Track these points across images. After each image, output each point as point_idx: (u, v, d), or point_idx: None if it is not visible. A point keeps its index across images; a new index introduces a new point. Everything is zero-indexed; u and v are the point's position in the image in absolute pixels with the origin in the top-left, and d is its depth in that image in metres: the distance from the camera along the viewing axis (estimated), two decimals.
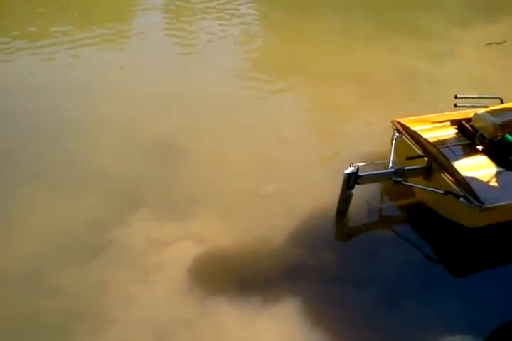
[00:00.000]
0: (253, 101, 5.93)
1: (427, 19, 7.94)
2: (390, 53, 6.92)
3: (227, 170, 4.74)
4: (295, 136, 5.24)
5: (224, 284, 3.76)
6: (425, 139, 4.35)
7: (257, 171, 4.76)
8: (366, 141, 5.09)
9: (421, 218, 4.37)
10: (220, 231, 4.13)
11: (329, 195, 4.30)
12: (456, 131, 4.53)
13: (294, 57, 6.80)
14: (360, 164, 4.09)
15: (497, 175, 4.04)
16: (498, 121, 4.23)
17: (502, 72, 6.51)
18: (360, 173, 4.10)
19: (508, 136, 4.43)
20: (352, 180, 4.09)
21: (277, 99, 6.04)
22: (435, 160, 4.19)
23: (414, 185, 4.25)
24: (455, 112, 4.73)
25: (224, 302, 3.64)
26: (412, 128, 4.50)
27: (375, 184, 4.42)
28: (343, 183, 4.10)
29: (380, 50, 6.99)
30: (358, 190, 4.20)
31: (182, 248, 3.95)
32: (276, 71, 6.59)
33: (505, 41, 7.16)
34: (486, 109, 4.41)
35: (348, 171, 4.07)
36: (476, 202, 3.78)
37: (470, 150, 4.29)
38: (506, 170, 4.06)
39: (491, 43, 7.12)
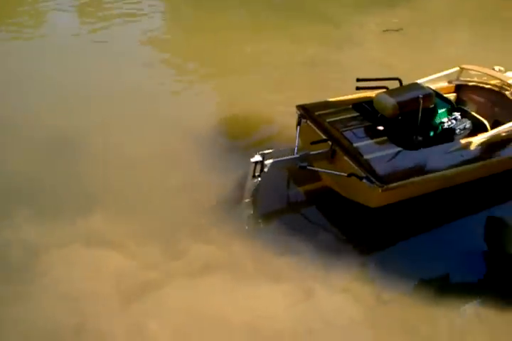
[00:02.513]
0: (159, 93, 5.75)
1: (326, 6, 8.03)
2: (292, 42, 6.94)
3: (129, 164, 4.56)
4: (202, 127, 5.12)
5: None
6: (328, 123, 4.38)
7: (161, 164, 4.61)
8: (274, 129, 5.08)
9: (328, 201, 4.42)
10: (119, 230, 3.94)
11: (237, 184, 4.27)
12: (358, 113, 4.59)
13: (201, 49, 6.70)
14: (265, 151, 4.07)
15: (397, 155, 4.13)
16: (396, 101, 4.32)
17: (400, 57, 6.70)
18: (266, 161, 4.09)
19: (407, 115, 4.55)
20: (258, 168, 4.06)
21: (185, 90, 5.90)
22: (338, 143, 4.23)
23: (319, 169, 4.30)
24: (357, 95, 4.80)
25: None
26: (316, 113, 4.51)
27: (283, 170, 4.43)
28: (250, 171, 4.06)
29: (281, 39, 7.00)
30: (266, 178, 4.18)
31: (73, 250, 3.74)
32: (185, 62, 6.47)
33: (402, 29, 7.40)
34: (385, 90, 4.50)
35: (254, 159, 4.03)
36: (377, 183, 3.86)
37: (372, 132, 4.35)
38: (406, 149, 4.17)
39: (388, 30, 7.34)
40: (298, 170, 4.26)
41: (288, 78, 6.10)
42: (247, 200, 4.26)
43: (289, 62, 6.45)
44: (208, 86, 6.07)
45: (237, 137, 5.11)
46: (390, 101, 4.36)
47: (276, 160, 4.13)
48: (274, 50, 6.72)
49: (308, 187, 4.56)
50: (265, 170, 4.08)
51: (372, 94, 4.71)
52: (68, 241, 3.79)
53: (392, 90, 4.49)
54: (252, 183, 4.14)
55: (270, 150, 4.13)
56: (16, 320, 3.33)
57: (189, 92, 5.86)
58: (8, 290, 3.48)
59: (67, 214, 4.01)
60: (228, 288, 3.60)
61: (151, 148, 4.77)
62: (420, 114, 4.36)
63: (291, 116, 4.66)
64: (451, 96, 5.12)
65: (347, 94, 4.88)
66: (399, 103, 4.36)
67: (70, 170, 4.44)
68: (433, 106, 4.54)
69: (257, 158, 4.01)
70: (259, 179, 4.12)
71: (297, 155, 4.19)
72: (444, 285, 3.80)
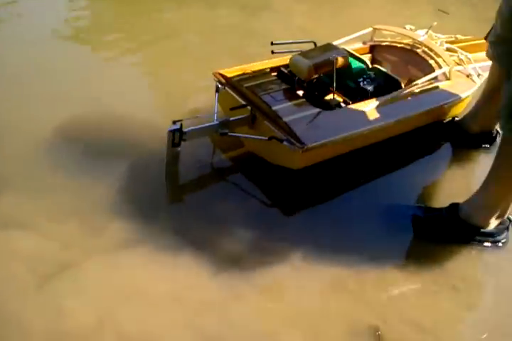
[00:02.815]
0: (65, 59, 5.51)
1: None
2: (210, 8, 6.79)
3: (35, 143, 4.33)
4: (116, 98, 4.93)
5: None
6: (246, 88, 4.34)
7: (66, 141, 4.42)
8: (191, 99, 4.97)
9: (252, 167, 4.40)
10: (32, 211, 3.76)
11: (157, 157, 4.15)
12: (276, 77, 4.57)
13: (117, 20, 6.45)
14: (181, 119, 3.97)
15: (315, 116, 4.15)
16: (311, 62, 4.33)
17: (315, 21, 6.70)
18: (185, 129, 4.00)
19: (322, 77, 4.60)
20: (177, 137, 3.96)
21: (93, 56, 5.70)
22: (257, 108, 4.20)
23: (240, 134, 4.26)
24: (274, 60, 4.77)
25: None
26: (233, 79, 4.46)
27: (204, 139, 4.35)
28: (168, 141, 3.96)
29: (195, 5, 6.84)
30: (186, 147, 4.11)
31: None
32: (100, 32, 6.18)
33: None
34: (300, 53, 4.49)
35: (171, 128, 3.92)
36: (297, 144, 3.88)
37: (290, 95, 4.35)
38: (323, 110, 4.20)
39: None
40: (219, 138, 4.23)
41: (205, 46, 5.97)
42: (168, 172, 4.15)
43: (206, 29, 6.31)
44: (128, 59, 5.83)
45: (157, 109, 4.98)
46: (305, 63, 4.36)
47: (194, 128, 4.04)
48: (188, 18, 6.55)
49: (232, 154, 4.51)
50: (184, 138, 3.99)
51: (288, 57, 4.70)
52: None
53: (306, 52, 4.49)
54: (171, 154, 4.04)
55: (187, 118, 4.03)
56: None
57: (105, 67, 5.60)
58: None
59: None
60: (149, 261, 3.53)
61: (55, 128, 4.55)
62: (335, 75, 4.41)
63: (210, 84, 4.58)
64: (366, 56, 5.19)
65: (262, 59, 4.83)
66: (314, 65, 4.37)
67: None
68: (348, 66, 4.60)
69: (175, 126, 3.90)
70: (179, 149, 4.03)
71: (217, 122, 4.13)
72: (368, 244, 3.87)
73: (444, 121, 4.92)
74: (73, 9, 6.73)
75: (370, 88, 4.53)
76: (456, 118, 4.94)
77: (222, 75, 4.54)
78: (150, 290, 3.37)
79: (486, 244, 3.89)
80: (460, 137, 4.87)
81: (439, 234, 3.91)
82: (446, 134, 4.93)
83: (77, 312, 3.15)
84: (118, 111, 4.86)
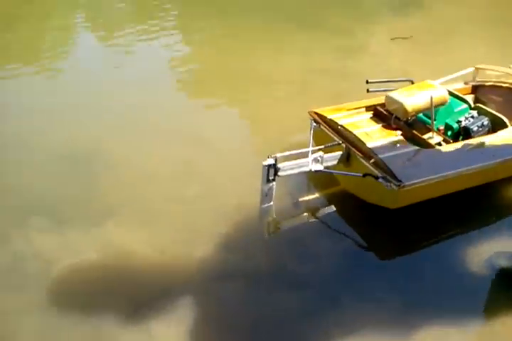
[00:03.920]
0: (173, 105, 5.81)
1: (335, 16, 8.09)
2: (304, 54, 6.96)
3: (146, 175, 4.57)
4: (216, 137, 5.11)
5: (147, 297, 3.55)
6: (342, 126, 4.34)
7: (178, 174, 4.60)
8: (288, 137, 5.03)
9: (347, 205, 4.32)
10: (139, 239, 3.93)
11: (253, 191, 4.19)
12: (372, 115, 4.54)
13: (218, 64, 6.75)
14: (278, 155, 4.01)
15: (413, 153, 4.05)
16: (408, 101, 4.26)
17: (413, 62, 6.63)
18: (280, 164, 4.03)
19: (420, 115, 4.49)
20: (271, 171, 4.00)
21: (197, 101, 5.95)
22: (352, 145, 4.17)
23: (335, 171, 4.22)
24: (369, 99, 4.75)
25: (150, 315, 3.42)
26: (329, 117, 4.48)
27: (298, 175, 4.34)
28: (263, 176, 4.01)
29: (290, 51, 7.04)
30: (281, 183, 4.13)
31: (98, 258, 3.77)
32: (204, 80, 6.52)
33: (412, 36, 7.34)
34: (397, 91, 4.44)
35: (266, 163, 3.97)
36: (394, 181, 3.76)
37: (386, 133, 4.29)
38: (421, 148, 4.07)
39: (396, 38, 7.28)
40: (314, 174, 4.21)
41: (303, 89, 6.08)
42: (264, 205, 4.17)
43: (303, 74, 6.45)
44: (225, 100, 6.09)
45: (252, 145, 5.10)
46: (404, 102, 4.30)
47: (289, 163, 4.06)
48: (287, 63, 6.74)
49: (326, 191, 4.48)
50: (279, 173, 4.01)
51: (383, 96, 4.65)
52: (83, 250, 3.82)
53: (405, 90, 4.43)
54: (266, 188, 4.08)
55: (282, 154, 4.06)
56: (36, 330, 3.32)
57: (200, 104, 5.89)
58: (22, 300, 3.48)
59: (82, 225, 4.02)
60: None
61: (167, 159, 4.79)
62: (434, 114, 4.29)
63: (306, 123, 4.62)
64: (469, 97, 5.01)
65: (358, 99, 4.82)
66: (410, 103, 4.30)
67: (85, 183, 4.47)
68: (448, 105, 4.47)
69: (270, 161, 3.95)
70: (273, 184, 4.06)
71: (311, 159, 4.13)
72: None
73: None
74: (176, 60, 7.16)
75: (473, 127, 4.35)
76: None
77: (318, 114, 4.58)
78: None
79: None
80: None
81: None
82: None
83: None
84: (218, 146, 5.04)
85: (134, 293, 3.55)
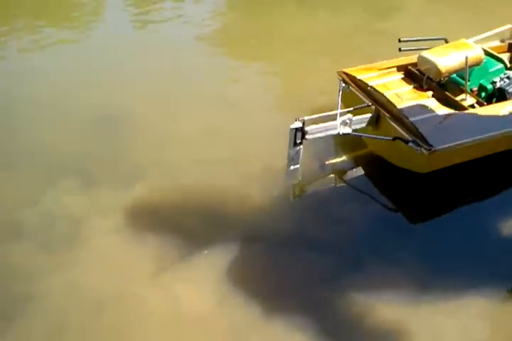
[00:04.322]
0: (198, 68, 5.72)
1: None
2: (333, 15, 6.77)
3: (173, 138, 4.56)
4: (242, 100, 5.04)
5: (180, 251, 3.62)
6: (372, 87, 4.20)
7: (204, 137, 4.58)
8: (315, 99, 4.91)
9: (374, 169, 4.26)
10: (164, 201, 3.96)
11: (280, 154, 4.13)
12: (403, 76, 4.39)
13: (250, 32, 6.60)
14: (306, 118, 3.92)
15: (445, 117, 3.93)
16: (442, 61, 4.10)
17: (448, 20, 6.37)
18: (307, 128, 3.96)
19: (454, 76, 4.33)
20: (299, 135, 3.91)
21: (222, 64, 5.87)
22: (382, 107, 4.05)
23: (363, 134, 4.13)
24: (401, 58, 4.59)
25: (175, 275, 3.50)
26: (358, 77, 4.34)
27: (325, 137, 4.26)
28: (290, 139, 3.94)
29: (320, 10, 6.85)
30: (308, 146, 4.06)
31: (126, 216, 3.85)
32: (234, 45, 6.40)
33: None
34: (430, 50, 4.27)
35: (293, 126, 3.88)
36: (425, 146, 3.67)
37: (417, 94, 4.17)
38: (454, 110, 3.95)
39: None
40: (342, 137, 4.14)
41: (332, 49, 5.92)
42: (291, 169, 4.09)
43: (332, 33, 6.29)
44: (256, 64, 5.98)
45: (280, 107, 5.01)
46: (438, 62, 4.14)
47: (317, 126, 3.98)
48: (318, 23, 6.58)
49: (353, 154, 4.41)
50: (307, 137, 3.95)
51: (415, 56, 4.48)
52: (111, 210, 3.88)
53: (437, 49, 4.26)
54: (293, 151, 4.02)
55: (310, 117, 3.97)
56: (63, 287, 3.41)
57: (227, 65, 5.85)
58: (51, 259, 3.58)
59: (110, 186, 4.07)
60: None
61: (195, 122, 4.76)
62: (468, 74, 4.13)
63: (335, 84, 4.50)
64: (505, 55, 4.80)
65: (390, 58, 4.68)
66: (444, 63, 4.14)
67: (113, 145, 4.52)
68: (483, 64, 4.29)
69: (297, 124, 3.86)
70: (301, 147, 3.99)
71: (339, 121, 4.04)
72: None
73: None
74: (201, 25, 6.99)
75: (509, 88, 4.18)
76: None
77: (347, 74, 4.44)
78: None
79: None
80: None
81: None
82: None
83: None
84: (245, 109, 5.01)
85: (159, 255, 3.60)
